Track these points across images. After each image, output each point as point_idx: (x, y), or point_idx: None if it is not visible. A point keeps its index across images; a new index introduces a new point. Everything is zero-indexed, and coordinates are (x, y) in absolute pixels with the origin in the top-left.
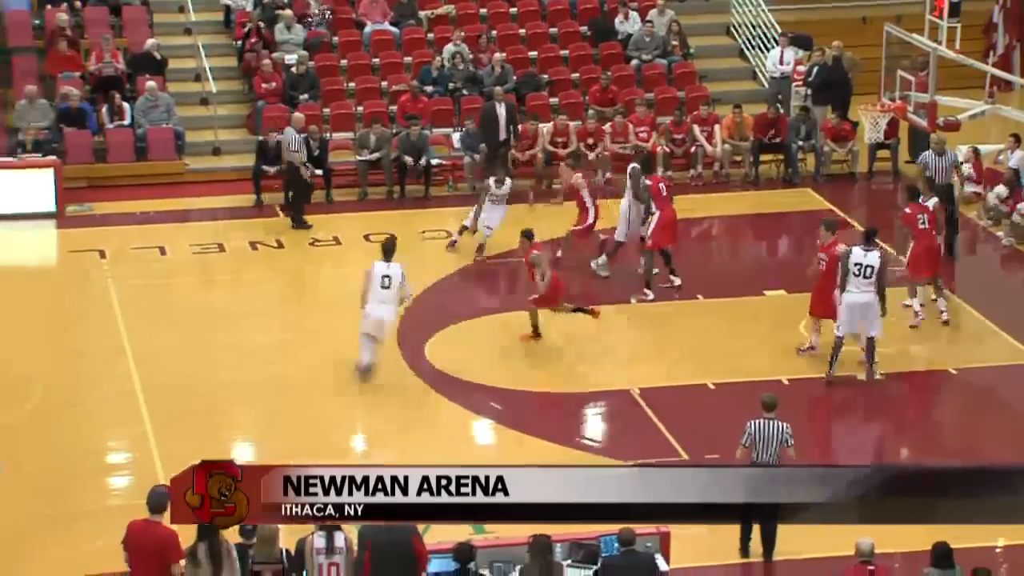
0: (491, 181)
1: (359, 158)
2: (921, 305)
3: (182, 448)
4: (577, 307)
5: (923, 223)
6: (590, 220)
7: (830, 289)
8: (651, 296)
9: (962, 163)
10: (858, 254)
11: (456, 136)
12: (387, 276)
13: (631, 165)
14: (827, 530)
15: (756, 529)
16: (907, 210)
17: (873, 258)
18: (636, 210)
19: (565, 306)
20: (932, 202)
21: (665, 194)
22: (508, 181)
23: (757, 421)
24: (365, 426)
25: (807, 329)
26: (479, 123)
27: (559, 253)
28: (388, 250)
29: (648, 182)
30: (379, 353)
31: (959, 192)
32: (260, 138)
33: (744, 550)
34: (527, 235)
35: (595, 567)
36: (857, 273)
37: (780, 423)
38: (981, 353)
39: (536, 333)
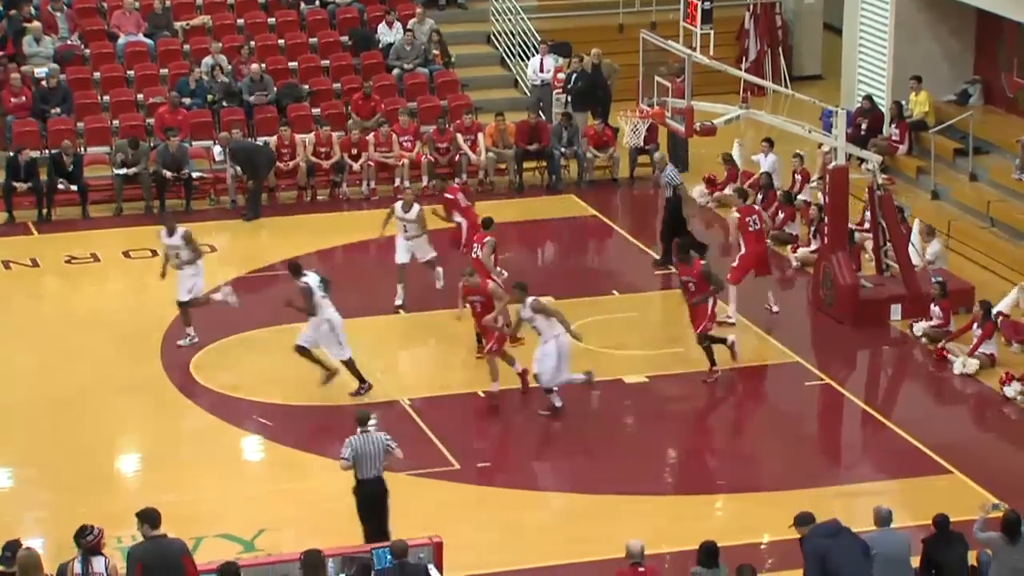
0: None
1: (116, 172)
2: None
3: None
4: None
5: (754, 225)
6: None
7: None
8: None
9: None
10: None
11: (217, 150)
12: None
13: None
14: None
15: None
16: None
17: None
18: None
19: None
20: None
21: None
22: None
23: (356, 438)
24: (133, 447)
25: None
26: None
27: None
28: None
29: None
30: (143, 371)
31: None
32: (10, 154)
33: None
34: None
35: None
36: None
37: (377, 434)
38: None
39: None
